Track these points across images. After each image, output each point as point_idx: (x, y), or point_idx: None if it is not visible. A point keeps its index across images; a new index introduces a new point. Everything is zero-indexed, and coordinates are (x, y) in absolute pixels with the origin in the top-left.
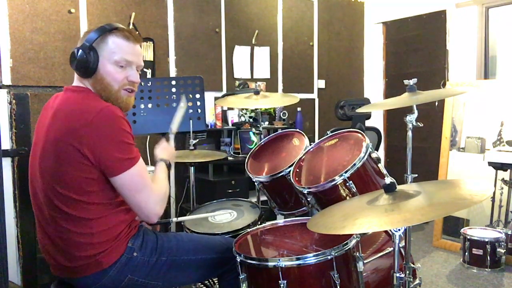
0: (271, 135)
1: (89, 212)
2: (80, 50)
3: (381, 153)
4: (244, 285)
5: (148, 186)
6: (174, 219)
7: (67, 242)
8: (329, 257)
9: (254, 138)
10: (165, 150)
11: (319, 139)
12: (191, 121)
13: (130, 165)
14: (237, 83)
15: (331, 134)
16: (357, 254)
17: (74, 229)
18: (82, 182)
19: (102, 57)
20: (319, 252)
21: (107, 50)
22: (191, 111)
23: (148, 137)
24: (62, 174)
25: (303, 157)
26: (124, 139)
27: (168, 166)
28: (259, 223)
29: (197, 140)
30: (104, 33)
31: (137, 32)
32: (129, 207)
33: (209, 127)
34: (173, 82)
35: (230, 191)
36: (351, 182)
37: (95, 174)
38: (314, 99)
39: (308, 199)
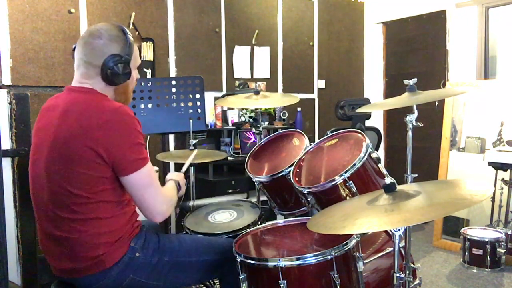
0: (271, 135)
1: (98, 211)
2: (119, 64)
3: (381, 153)
4: (244, 285)
5: (155, 185)
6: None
7: (73, 242)
8: (329, 257)
9: (252, 137)
10: (177, 175)
11: (319, 139)
12: (191, 121)
13: (141, 165)
14: (237, 83)
15: (331, 134)
16: (357, 254)
17: (82, 229)
18: (94, 181)
19: (131, 65)
20: (319, 252)
21: (134, 57)
22: (191, 111)
23: (148, 137)
24: (73, 174)
25: (303, 157)
26: (137, 139)
27: (178, 186)
28: (259, 223)
29: (197, 140)
30: (129, 40)
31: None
32: (133, 207)
33: (209, 127)
34: (173, 82)
35: (230, 191)
36: (351, 182)
37: (108, 173)
38: (314, 99)
39: (308, 199)
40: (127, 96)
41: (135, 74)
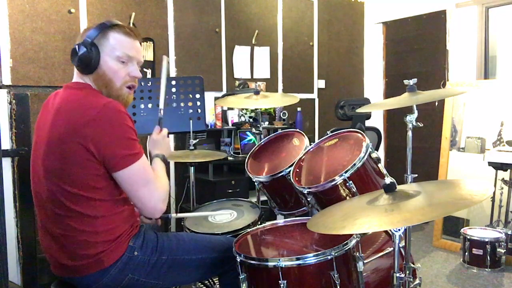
0: (271, 135)
1: (95, 210)
2: (82, 46)
3: (381, 153)
4: (244, 285)
5: (151, 182)
6: (174, 215)
7: (71, 240)
8: (329, 257)
9: (251, 137)
10: (157, 143)
11: (319, 139)
12: (191, 121)
13: (133, 160)
14: (237, 83)
15: (331, 134)
16: (357, 254)
17: (79, 227)
18: (88, 179)
19: (103, 53)
20: (319, 252)
21: (109, 46)
22: (191, 111)
23: (148, 137)
24: (67, 171)
25: (303, 157)
26: (127, 134)
27: (164, 160)
28: (259, 223)
29: (197, 140)
30: (105, 29)
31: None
32: (133, 206)
33: (209, 127)
34: (173, 82)
35: (230, 191)
36: (351, 182)
37: (101, 170)
38: (314, 99)
39: (308, 199)
40: (109, 88)
41: (114, 64)
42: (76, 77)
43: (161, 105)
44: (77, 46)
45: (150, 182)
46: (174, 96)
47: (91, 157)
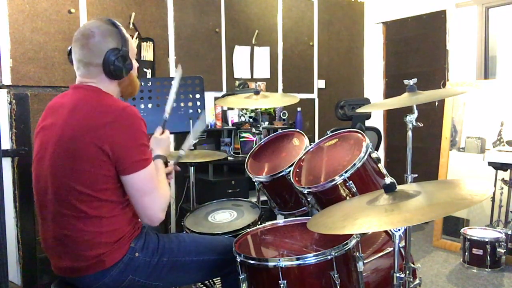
0: (271, 135)
1: (101, 210)
2: (120, 58)
3: (381, 153)
4: (244, 285)
5: (156, 190)
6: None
7: (74, 240)
8: (329, 257)
9: (248, 135)
10: (160, 142)
11: (319, 139)
12: (191, 121)
13: (143, 166)
14: (237, 83)
15: (331, 134)
16: (357, 254)
17: (85, 227)
18: (98, 179)
19: (131, 56)
20: (319, 252)
21: (131, 47)
22: (191, 111)
23: (148, 137)
24: (78, 171)
25: (303, 157)
26: (141, 140)
27: (165, 163)
28: (259, 223)
29: (197, 140)
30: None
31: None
32: None
33: (209, 127)
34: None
35: (230, 191)
36: (351, 182)
37: (111, 171)
38: (314, 99)
39: (308, 199)
40: (134, 86)
41: (135, 63)
42: (83, 80)
43: (168, 109)
44: (113, 58)
45: (154, 190)
46: (174, 96)
47: (105, 157)
